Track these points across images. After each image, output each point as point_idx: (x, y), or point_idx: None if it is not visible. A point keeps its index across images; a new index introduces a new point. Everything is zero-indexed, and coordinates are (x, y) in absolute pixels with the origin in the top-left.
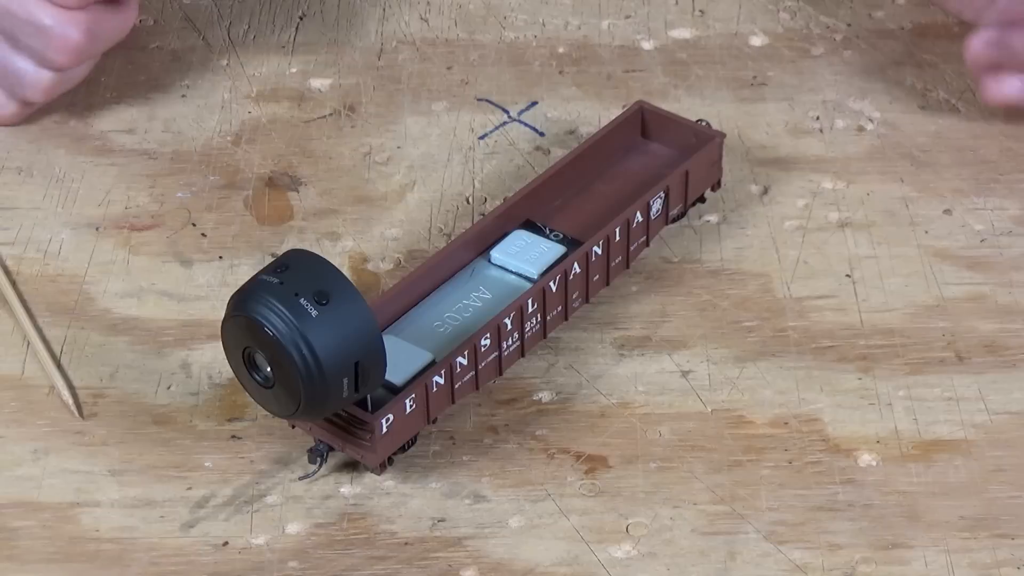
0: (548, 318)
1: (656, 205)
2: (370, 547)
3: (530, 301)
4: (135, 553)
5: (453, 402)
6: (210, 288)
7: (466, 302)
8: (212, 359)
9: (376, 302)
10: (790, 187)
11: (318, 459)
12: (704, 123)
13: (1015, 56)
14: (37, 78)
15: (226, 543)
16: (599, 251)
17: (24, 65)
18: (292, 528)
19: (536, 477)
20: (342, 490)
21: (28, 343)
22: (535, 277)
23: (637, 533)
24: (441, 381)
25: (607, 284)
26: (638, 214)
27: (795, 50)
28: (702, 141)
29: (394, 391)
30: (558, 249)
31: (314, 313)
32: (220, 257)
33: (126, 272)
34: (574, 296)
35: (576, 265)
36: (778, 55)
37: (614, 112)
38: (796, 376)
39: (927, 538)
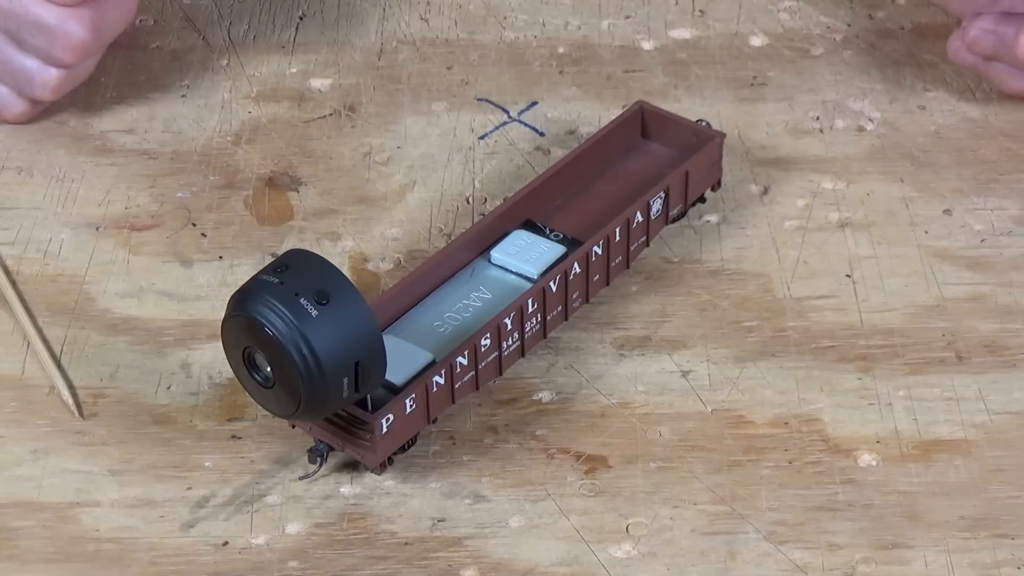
0: (548, 318)
1: (656, 205)
2: (370, 547)
3: (530, 301)
4: (135, 553)
5: (453, 402)
6: (210, 288)
7: (466, 302)
8: (212, 359)
9: (376, 302)
10: (790, 187)
11: (318, 459)
12: (704, 123)
13: (1006, 47)
14: (45, 77)
15: (226, 543)
16: (599, 251)
17: (32, 64)
18: (292, 528)
19: (536, 477)
20: (342, 490)
21: (28, 343)
22: (535, 277)
23: (637, 533)
24: (441, 381)
25: (607, 284)
26: (638, 214)
27: (795, 50)
28: (702, 141)
29: (394, 391)
30: (558, 249)
31: (314, 313)
32: (220, 257)
33: (126, 272)
34: (574, 296)
35: (576, 265)
36: (778, 55)
37: (614, 112)
38: (796, 376)
39: (927, 538)
